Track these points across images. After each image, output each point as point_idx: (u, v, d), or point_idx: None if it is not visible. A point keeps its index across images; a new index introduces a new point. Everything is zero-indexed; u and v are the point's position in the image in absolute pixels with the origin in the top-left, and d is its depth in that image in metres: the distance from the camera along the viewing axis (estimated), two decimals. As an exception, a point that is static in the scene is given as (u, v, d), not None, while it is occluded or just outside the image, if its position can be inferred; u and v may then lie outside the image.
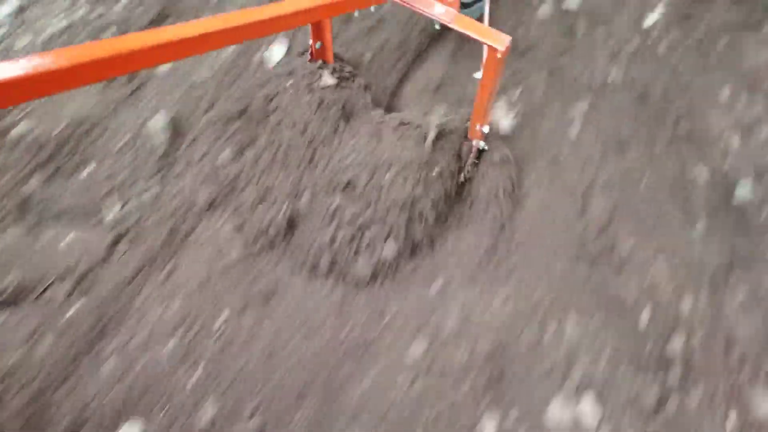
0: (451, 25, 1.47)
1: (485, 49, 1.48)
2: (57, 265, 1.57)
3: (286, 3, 1.18)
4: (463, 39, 1.92)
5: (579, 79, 2.04)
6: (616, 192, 1.78)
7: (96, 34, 2.01)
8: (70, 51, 0.86)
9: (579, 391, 1.45)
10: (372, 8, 1.96)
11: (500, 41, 1.40)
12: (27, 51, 1.95)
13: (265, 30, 1.16)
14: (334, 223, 1.59)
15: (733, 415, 1.43)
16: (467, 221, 1.73)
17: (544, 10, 2.22)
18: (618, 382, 1.46)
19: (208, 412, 1.41)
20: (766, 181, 1.79)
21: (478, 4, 1.96)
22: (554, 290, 1.61)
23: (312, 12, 1.30)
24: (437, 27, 1.99)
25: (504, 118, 1.95)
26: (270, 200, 1.66)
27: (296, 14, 1.23)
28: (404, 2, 1.50)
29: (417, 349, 1.52)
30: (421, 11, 1.49)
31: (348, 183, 1.60)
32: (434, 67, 2.07)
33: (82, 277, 1.56)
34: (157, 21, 2.10)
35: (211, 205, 1.72)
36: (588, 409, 1.43)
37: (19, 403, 1.38)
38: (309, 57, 1.76)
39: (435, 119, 1.66)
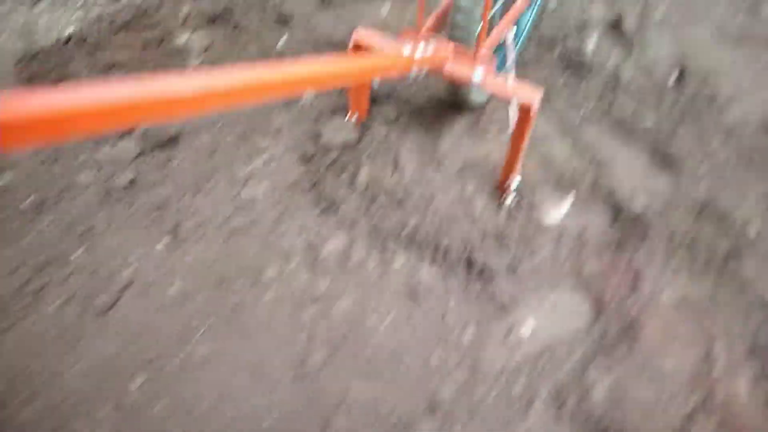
0: (489, 88, 1.65)
1: (512, 105, 1.64)
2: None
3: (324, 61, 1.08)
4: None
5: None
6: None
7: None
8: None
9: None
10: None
11: (535, 95, 1.58)
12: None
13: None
14: None
15: None
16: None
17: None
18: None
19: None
20: None
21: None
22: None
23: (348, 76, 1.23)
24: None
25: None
26: None
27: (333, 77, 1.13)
28: (448, 72, 1.65)
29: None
30: (462, 78, 1.65)
31: None
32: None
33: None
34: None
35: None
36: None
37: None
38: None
39: None
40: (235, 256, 1.72)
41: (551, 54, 2.40)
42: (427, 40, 1.67)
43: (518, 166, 1.82)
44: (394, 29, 2.51)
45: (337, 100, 2.14)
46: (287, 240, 1.75)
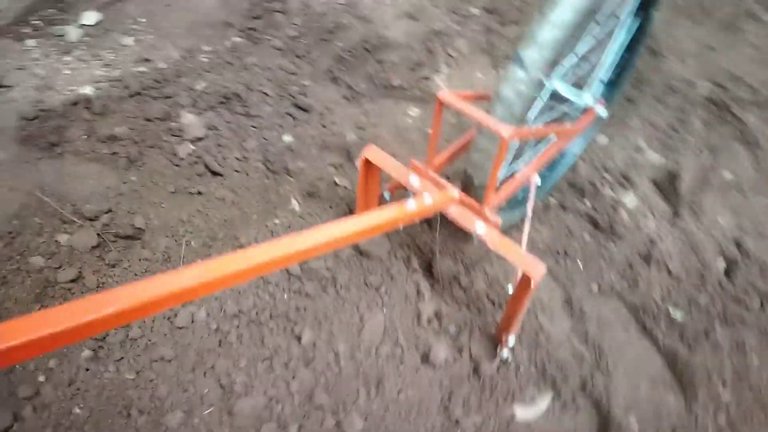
0: (491, 247, 1.50)
1: (519, 270, 1.49)
2: None
3: (324, 230, 1.09)
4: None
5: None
6: None
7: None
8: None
9: None
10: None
11: (537, 270, 1.41)
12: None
13: (285, 263, 1.02)
14: None
15: None
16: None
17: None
18: None
19: None
20: None
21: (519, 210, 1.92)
22: None
23: (348, 238, 1.16)
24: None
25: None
26: None
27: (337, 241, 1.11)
28: (451, 216, 1.56)
29: None
30: (464, 227, 1.54)
31: None
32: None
33: None
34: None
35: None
36: None
37: None
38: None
39: None
40: (149, 387, 1.58)
41: (581, 202, 2.10)
42: (434, 177, 1.59)
43: (516, 326, 1.62)
44: (418, 137, 2.32)
45: (336, 212, 1.99)
46: (207, 382, 1.59)
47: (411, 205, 1.33)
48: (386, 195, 1.73)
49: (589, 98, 1.65)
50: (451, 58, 2.63)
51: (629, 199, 2.10)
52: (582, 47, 1.69)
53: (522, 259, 1.46)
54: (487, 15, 2.84)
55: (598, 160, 2.23)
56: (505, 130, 1.28)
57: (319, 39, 2.64)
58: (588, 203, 2.09)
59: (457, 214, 1.54)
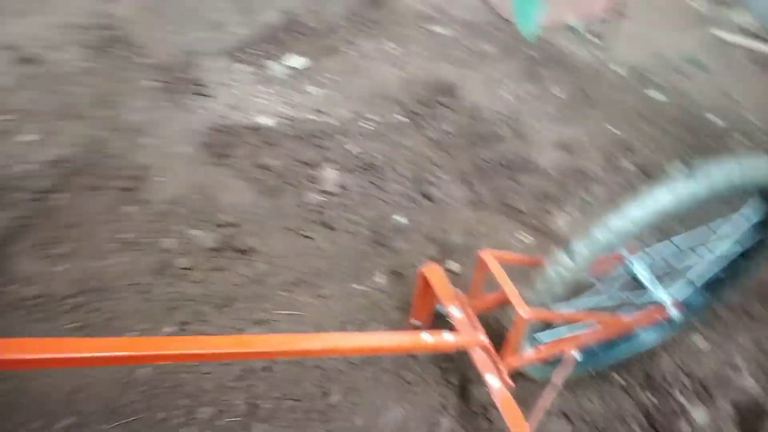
0: (497, 405, 1.55)
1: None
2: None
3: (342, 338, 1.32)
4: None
5: None
6: None
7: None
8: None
9: None
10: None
11: None
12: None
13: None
14: None
15: None
16: None
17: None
18: None
19: None
20: None
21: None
22: None
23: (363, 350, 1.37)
24: None
25: None
26: None
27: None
28: (473, 358, 1.61)
29: None
30: (480, 374, 1.60)
31: None
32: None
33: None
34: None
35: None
36: None
37: None
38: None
39: None
40: (201, 378, 1.88)
41: (645, 394, 2.05)
42: (471, 315, 1.66)
43: None
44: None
45: (403, 300, 2.18)
46: (242, 396, 1.85)
47: (428, 338, 1.42)
48: (440, 308, 1.87)
49: (664, 295, 1.63)
50: (584, 202, 2.71)
51: (699, 414, 2.00)
52: (663, 250, 1.69)
53: (519, 430, 1.49)
54: (637, 172, 2.88)
55: (685, 361, 2.15)
56: (524, 311, 1.36)
57: (469, 141, 2.89)
58: (653, 398, 2.03)
59: (479, 359, 1.61)
